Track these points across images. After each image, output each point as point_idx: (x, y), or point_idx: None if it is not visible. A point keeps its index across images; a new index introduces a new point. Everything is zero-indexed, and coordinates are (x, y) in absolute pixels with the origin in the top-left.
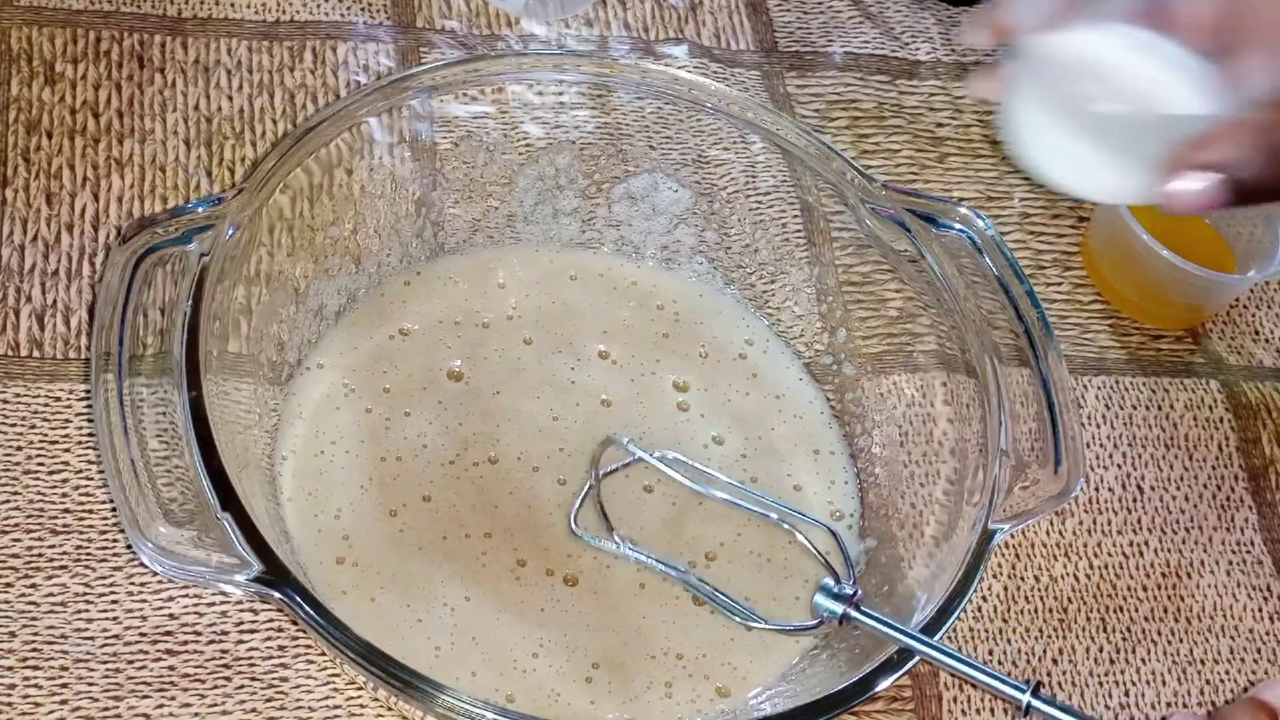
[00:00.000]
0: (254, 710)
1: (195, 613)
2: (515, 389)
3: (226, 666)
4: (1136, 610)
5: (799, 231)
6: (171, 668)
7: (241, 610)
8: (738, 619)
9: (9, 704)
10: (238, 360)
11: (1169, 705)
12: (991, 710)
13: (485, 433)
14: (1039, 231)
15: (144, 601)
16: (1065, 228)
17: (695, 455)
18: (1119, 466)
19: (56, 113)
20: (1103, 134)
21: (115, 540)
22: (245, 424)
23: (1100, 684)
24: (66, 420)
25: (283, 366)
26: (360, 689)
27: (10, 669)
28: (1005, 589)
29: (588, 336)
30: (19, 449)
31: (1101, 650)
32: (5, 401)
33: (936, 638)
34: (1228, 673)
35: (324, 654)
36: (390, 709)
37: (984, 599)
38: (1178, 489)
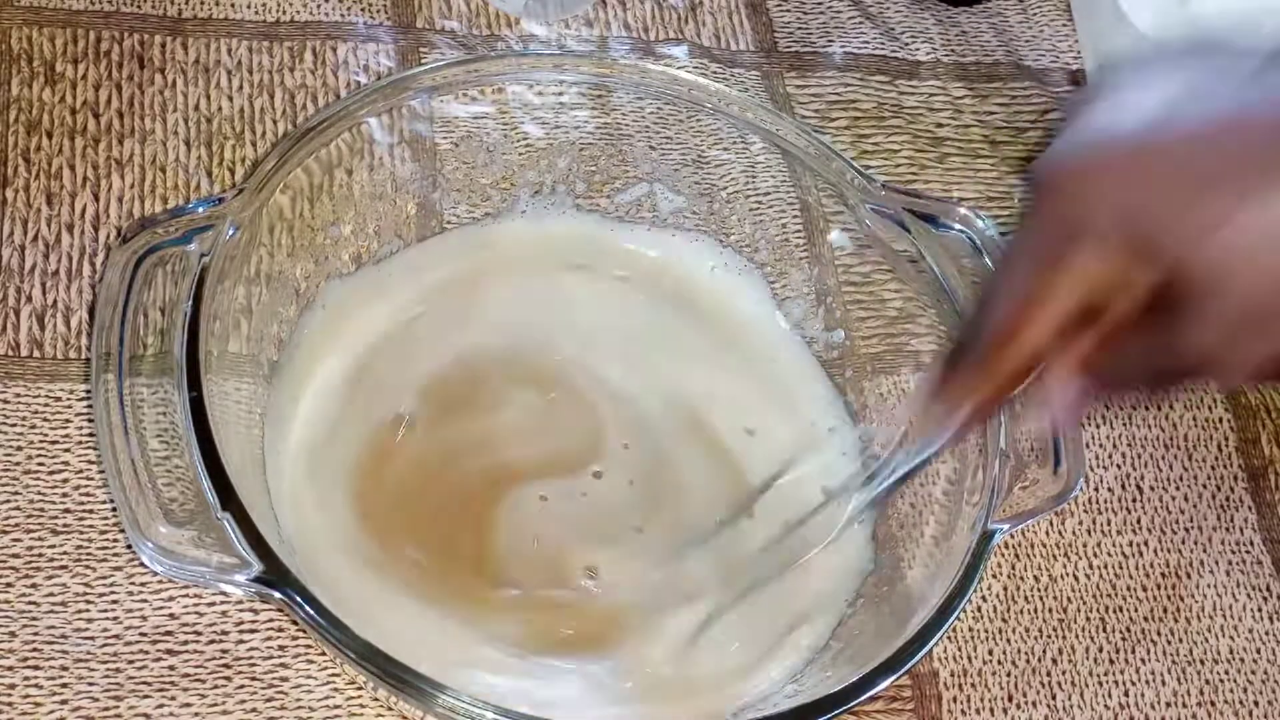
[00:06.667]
0: (254, 710)
1: (195, 613)
2: (470, 333)
3: (227, 666)
4: (1136, 610)
5: (799, 231)
6: (172, 668)
7: (241, 610)
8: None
9: (9, 704)
10: (238, 360)
11: (1168, 705)
12: (991, 710)
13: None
14: None
15: (144, 601)
16: None
17: (733, 445)
18: (1119, 466)
19: (57, 113)
20: None
21: (115, 540)
22: (245, 424)
23: (1100, 684)
24: (67, 420)
25: (283, 366)
26: (360, 689)
27: (10, 669)
28: (1005, 589)
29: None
30: (19, 449)
31: (1101, 650)
32: (5, 401)
33: (936, 638)
34: (1227, 673)
35: (324, 654)
36: (390, 709)
37: (984, 599)
38: (1177, 489)
